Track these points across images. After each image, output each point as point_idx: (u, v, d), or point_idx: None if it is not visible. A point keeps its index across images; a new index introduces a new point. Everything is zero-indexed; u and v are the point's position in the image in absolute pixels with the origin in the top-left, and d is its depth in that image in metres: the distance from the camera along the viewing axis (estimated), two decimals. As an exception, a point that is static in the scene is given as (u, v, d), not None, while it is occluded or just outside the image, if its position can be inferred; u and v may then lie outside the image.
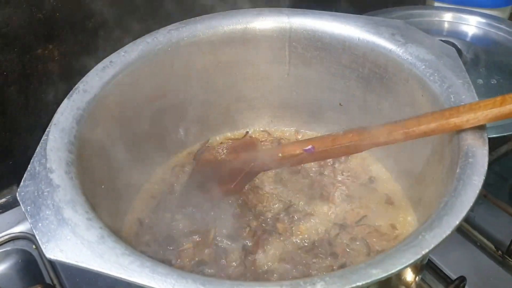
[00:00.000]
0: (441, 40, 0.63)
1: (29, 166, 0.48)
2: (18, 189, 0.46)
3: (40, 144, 0.50)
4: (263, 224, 0.62)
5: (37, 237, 0.41)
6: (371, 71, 0.65)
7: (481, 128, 0.49)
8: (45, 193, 0.45)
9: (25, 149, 0.63)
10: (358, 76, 0.67)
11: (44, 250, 0.40)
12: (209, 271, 0.57)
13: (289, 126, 0.79)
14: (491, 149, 0.47)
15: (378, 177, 0.69)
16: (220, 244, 0.60)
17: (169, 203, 0.66)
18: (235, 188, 0.64)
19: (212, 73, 0.70)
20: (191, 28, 0.66)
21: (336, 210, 0.65)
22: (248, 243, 0.60)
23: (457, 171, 0.46)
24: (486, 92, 0.81)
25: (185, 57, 0.66)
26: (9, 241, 0.75)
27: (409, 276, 0.50)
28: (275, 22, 0.68)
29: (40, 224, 0.42)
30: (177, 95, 0.69)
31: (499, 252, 0.70)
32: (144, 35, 0.65)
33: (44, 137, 0.50)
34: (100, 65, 0.60)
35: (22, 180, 0.46)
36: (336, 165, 0.71)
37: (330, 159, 0.70)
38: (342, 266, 0.58)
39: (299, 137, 0.77)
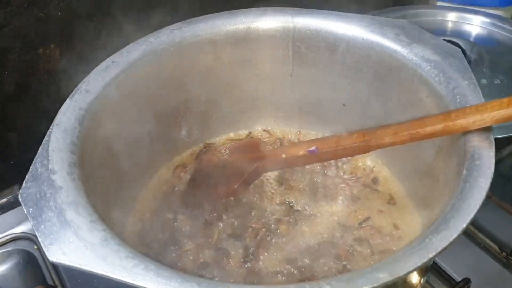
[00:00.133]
0: (445, 40, 0.63)
1: (31, 167, 0.47)
2: (20, 191, 0.45)
3: (42, 145, 0.49)
4: (266, 226, 0.62)
5: (40, 240, 0.41)
6: (375, 71, 0.65)
7: (487, 129, 0.49)
8: (48, 195, 0.44)
9: (26, 149, 0.63)
10: (362, 76, 0.66)
11: (46, 253, 0.40)
12: (212, 272, 0.57)
13: (292, 127, 0.78)
14: (495, 150, 0.47)
15: (382, 178, 0.69)
16: (222, 245, 0.60)
17: (171, 204, 0.65)
18: (238, 189, 0.64)
19: (215, 73, 0.69)
20: (193, 28, 0.66)
21: (340, 211, 0.64)
22: (251, 244, 0.60)
23: (464, 173, 0.46)
24: (490, 92, 0.81)
25: (188, 57, 0.66)
26: (10, 241, 0.75)
27: (415, 278, 0.50)
28: (279, 21, 0.67)
29: (42, 226, 0.42)
30: (180, 95, 0.68)
31: (504, 253, 0.70)
32: (147, 34, 0.64)
33: (46, 137, 0.50)
34: (102, 65, 0.59)
35: (24, 182, 0.46)
36: (340, 166, 0.70)
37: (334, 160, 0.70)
38: (346, 267, 0.57)
39: (302, 137, 0.77)
